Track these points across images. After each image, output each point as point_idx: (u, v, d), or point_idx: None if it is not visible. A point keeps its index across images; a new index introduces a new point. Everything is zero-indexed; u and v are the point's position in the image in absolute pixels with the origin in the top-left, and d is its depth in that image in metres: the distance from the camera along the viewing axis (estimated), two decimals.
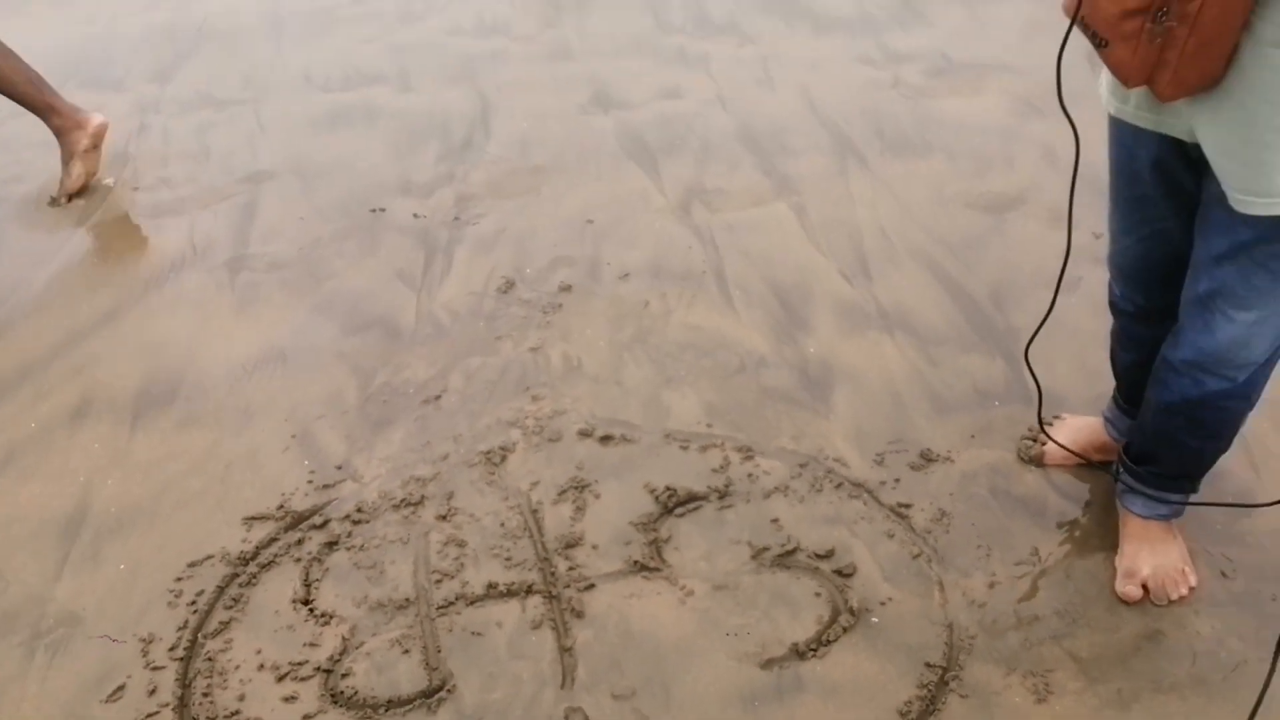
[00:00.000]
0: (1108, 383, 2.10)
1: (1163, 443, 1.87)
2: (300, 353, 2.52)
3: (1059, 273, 1.81)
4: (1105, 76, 1.63)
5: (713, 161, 3.08)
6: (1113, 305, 1.98)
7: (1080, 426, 2.16)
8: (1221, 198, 1.51)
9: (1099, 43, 1.45)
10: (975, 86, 3.35)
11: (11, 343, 2.59)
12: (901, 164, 3.02)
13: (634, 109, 3.34)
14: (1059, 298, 1.86)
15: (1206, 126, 1.48)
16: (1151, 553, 1.92)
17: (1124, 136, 1.68)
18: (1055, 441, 2.12)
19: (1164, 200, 1.70)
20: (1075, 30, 1.47)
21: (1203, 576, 1.92)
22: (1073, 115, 1.59)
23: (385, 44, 3.76)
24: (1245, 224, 1.51)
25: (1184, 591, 1.89)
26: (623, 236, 2.82)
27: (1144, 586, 1.89)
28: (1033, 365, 1.99)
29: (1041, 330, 1.92)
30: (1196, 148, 1.52)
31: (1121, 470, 1.97)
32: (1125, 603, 1.88)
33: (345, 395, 2.40)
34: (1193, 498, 1.94)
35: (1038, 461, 2.13)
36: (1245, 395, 1.75)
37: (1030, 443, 2.16)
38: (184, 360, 2.51)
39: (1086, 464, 2.11)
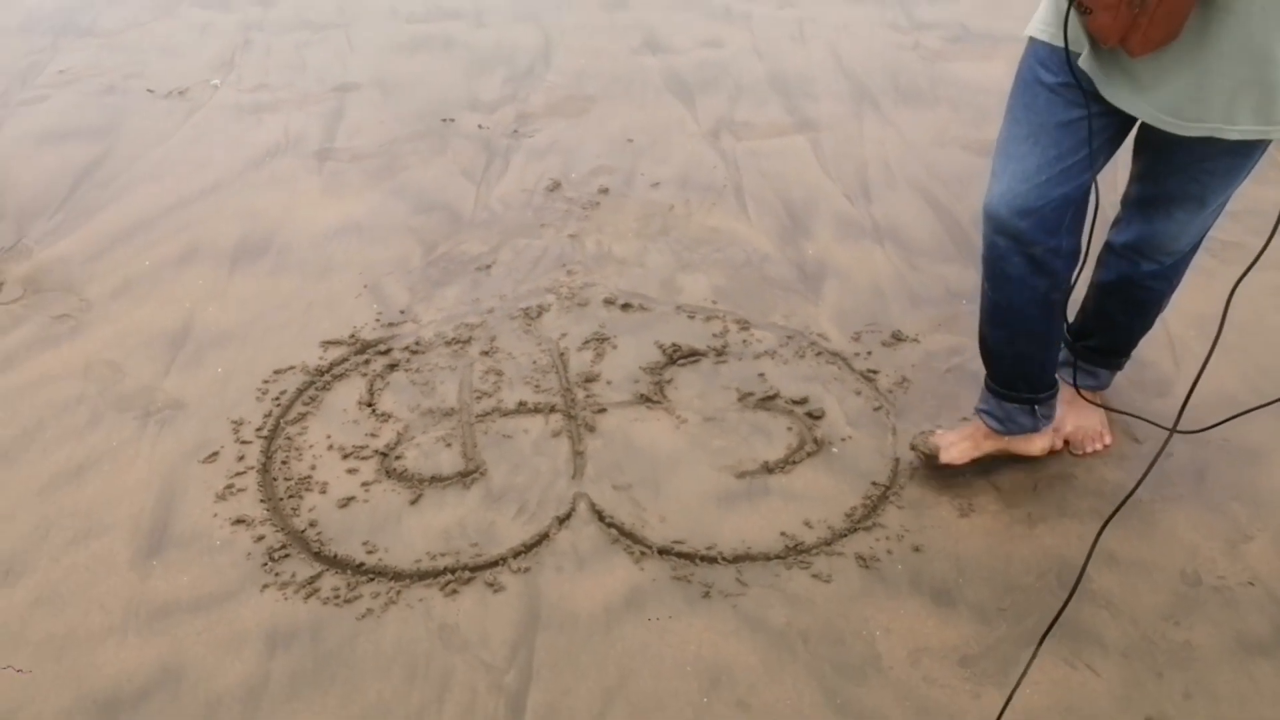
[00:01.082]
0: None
1: (1099, 321, 2.21)
2: (375, 225, 2.94)
3: None
4: (1042, 6, 1.86)
5: (744, 100, 3.47)
6: (996, 270, 1.99)
7: (965, 429, 2.22)
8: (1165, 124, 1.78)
9: (1084, 10, 1.71)
10: (987, 54, 3.71)
11: (128, 204, 3.04)
12: (911, 111, 3.40)
13: (678, 54, 3.74)
14: None
15: (1165, 76, 1.73)
16: (1077, 414, 2.27)
17: (1051, 65, 1.85)
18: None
19: (1082, 124, 1.85)
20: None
21: (1118, 439, 2.28)
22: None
23: None
24: (1184, 145, 1.82)
25: (1098, 447, 2.26)
26: (657, 154, 3.22)
27: (1066, 441, 2.26)
28: None
29: None
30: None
31: (1063, 345, 2.32)
32: (1050, 451, 2.24)
33: (410, 259, 2.82)
34: (1115, 403, 2.30)
35: (933, 461, 2.17)
36: (1169, 277, 2.10)
37: (923, 438, 2.19)
38: (276, 224, 2.95)
39: (978, 458, 2.20)
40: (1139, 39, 1.69)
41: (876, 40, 3.80)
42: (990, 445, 2.19)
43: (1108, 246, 2.15)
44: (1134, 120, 1.87)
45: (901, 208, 2.98)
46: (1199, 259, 2.14)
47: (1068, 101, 1.85)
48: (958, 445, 2.18)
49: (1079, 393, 2.22)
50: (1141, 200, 2.03)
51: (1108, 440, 2.27)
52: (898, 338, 2.55)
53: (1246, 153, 1.86)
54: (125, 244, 2.88)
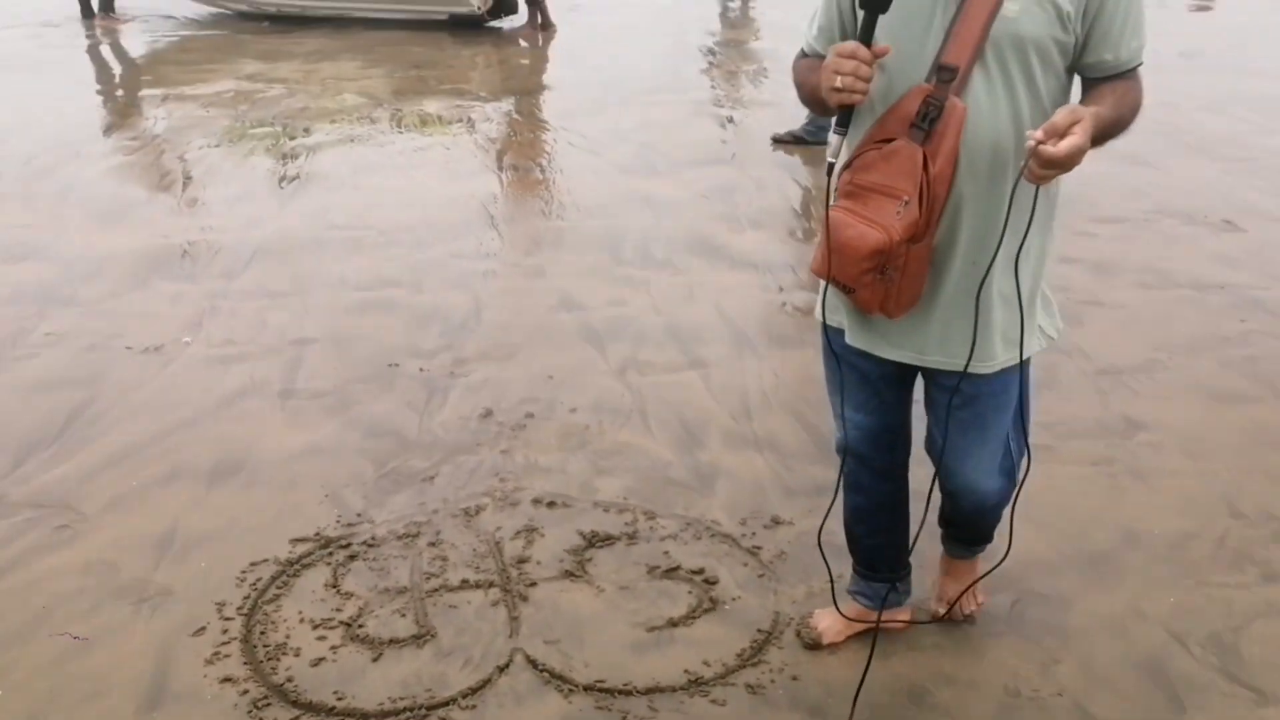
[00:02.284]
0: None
1: (954, 522, 2.61)
2: (333, 449, 3.45)
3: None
4: (823, 299, 2.25)
5: (645, 345, 4.14)
6: (851, 482, 2.50)
7: (837, 613, 2.58)
8: (935, 378, 2.27)
9: (846, 290, 2.11)
10: None
11: (115, 437, 3.50)
12: (782, 353, 4.09)
13: (590, 310, 4.43)
14: None
15: (916, 334, 2.20)
16: (954, 581, 2.68)
17: (845, 345, 2.31)
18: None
19: (880, 382, 2.35)
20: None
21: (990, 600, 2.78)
22: None
23: (403, 262, 4.89)
24: (949, 388, 2.21)
25: (974, 608, 2.67)
26: (574, 387, 3.83)
27: (948, 604, 2.66)
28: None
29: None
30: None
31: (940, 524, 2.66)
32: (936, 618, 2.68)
33: (365, 474, 3.31)
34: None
35: (816, 644, 2.58)
36: (1005, 494, 2.44)
37: (806, 627, 2.62)
38: (246, 449, 3.44)
39: (858, 632, 2.61)
40: (893, 305, 2.13)
41: (753, 299, 4.56)
42: (861, 623, 2.62)
43: (942, 488, 2.45)
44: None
45: (776, 425, 3.60)
46: None
47: (864, 366, 2.32)
48: (835, 628, 2.65)
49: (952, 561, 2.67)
50: (941, 452, 2.36)
51: (981, 600, 2.70)
52: (776, 521, 3.10)
53: (1003, 383, 2.24)
54: (115, 468, 3.32)
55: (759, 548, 2.99)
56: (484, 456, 3.42)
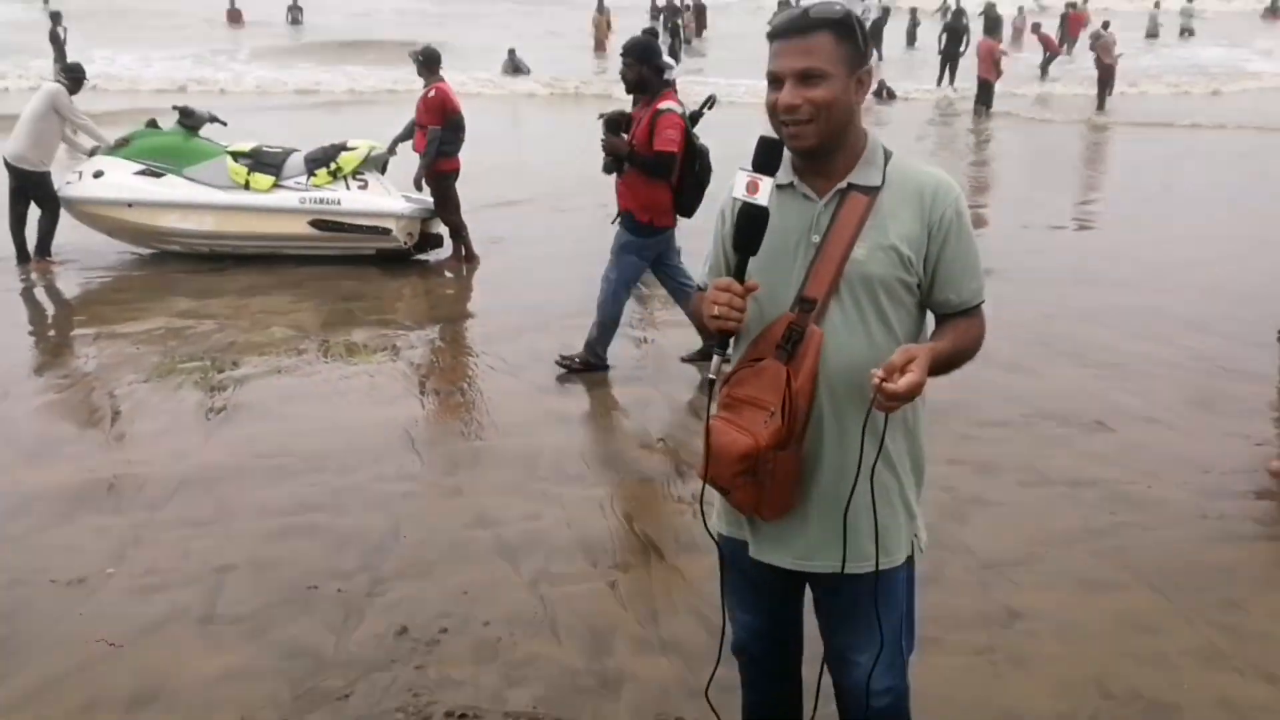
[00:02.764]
0: None
1: None
2: (250, 672, 3.56)
3: None
4: (716, 511, 2.54)
5: (556, 558, 4.34)
6: (747, 680, 2.76)
7: None
8: (819, 584, 2.47)
9: (724, 492, 2.36)
10: None
11: (37, 671, 3.57)
12: (688, 557, 4.32)
13: (504, 526, 4.64)
14: None
15: (796, 539, 2.41)
16: None
17: (736, 549, 2.52)
18: None
19: (767, 587, 2.55)
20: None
21: None
22: None
23: (325, 487, 5.07)
24: (836, 595, 2.44)
25: None
26: (487, 601, 4.00)
27: None
28: None
29: None
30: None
31: None
32: None
33: (281, 696, 3.42)
34: None
35: None
36: (897, 694, 2.55)
37: None
38: (164, 678, 3.52)
39: None
40: (766, 508, 2.36)
41: (661, 508, 4.82)
42: None
43: (836, 696, 2.63)
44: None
45: (682, 628, 3.80)
46: None
47: (753, 571, 2.51)
48: None
49: None
50: (829, 653, 2.55)
51: None
52: None
53: (886, 582, 2.39)
54: (34, 701, 3.39)
55: None
56: (398, 673, 3.55)
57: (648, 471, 5.27)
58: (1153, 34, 36.06)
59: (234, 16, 37.84)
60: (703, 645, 3.68)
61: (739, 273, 2.29)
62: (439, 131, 9.21)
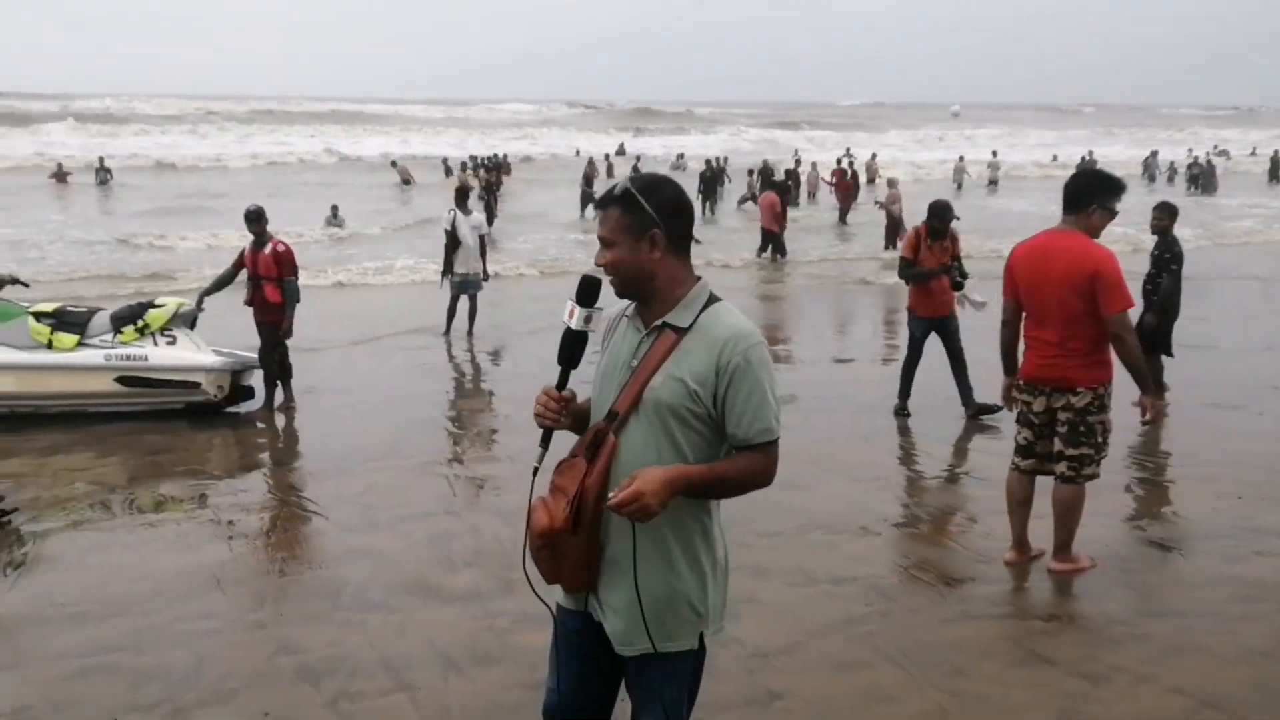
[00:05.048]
0: None
1: None
2: None
3: None
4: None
5: (357, 678, 4.59)
6: None
7: None
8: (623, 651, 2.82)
9: (535, 560, 2.81)
10: (540, 628, 5.11)
11: None
12: (485, 669, 4.64)
13: (307, 653, 4.85)
14: None
15: (598, 610, 2.85)
16: None
17: (566, 617, 2.92)
18: None
19: (586, 655, 2.90)
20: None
21: None
22: None
23: (127, 629, 5.15)
24: (633, 664, 2.84)
25: None
26: None
27: None
28: None
29: None
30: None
31: None
32: None
33: None
34: None
35: None
36: None
37: None
38: None
39: None
40: (566, 580, 2.83)
41: (461, 627, 5.12)
42: None
43: None
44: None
45: None
46: None
47: (575, 640, 2.91)
48: None
49: None
50: (631, 713, 2.93)
51: None
52: None
53: (660, 668, 2.80)
54: None
55: None
56: None
57: (449, 594, 5.58)
58: (957, 183, 39.58)
59: (60, 176, 37.62)
60: None
61: (560, 382, 2.87)
62: (294, 282, 9.58)
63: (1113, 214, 5.47)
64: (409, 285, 17.77)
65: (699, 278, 2.87)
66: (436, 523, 6.83)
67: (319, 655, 4.84)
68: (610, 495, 2.64)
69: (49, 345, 9.43)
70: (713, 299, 2.84)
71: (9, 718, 4.28)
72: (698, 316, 2.79)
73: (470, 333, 13.18)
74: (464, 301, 13.13)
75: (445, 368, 12.05)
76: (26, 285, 10.28)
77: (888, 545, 6.32)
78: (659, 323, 2.81)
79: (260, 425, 9.66)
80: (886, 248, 22.65)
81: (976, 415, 9.02)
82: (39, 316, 9.55)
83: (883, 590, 5.56)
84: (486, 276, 13.47)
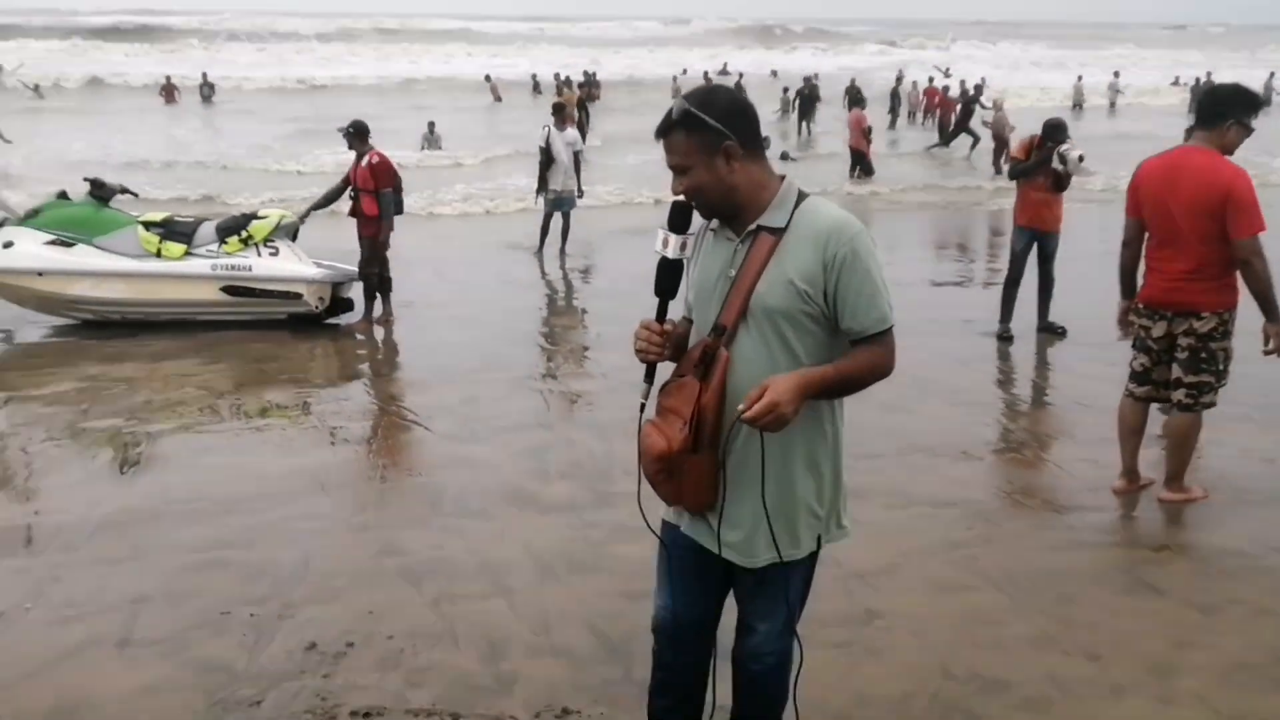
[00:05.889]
0: None
1: (736, 702, 3.06)
2: (167, 687, 3.79)
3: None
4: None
5: (458, 580, 4.67)
6: (658, 659, 3.06)
7: None
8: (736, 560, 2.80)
9: (652, 484, 2.76)
10: (635, 539, 5.12)
11: None
12: (581, 577, 4.68)
13: (409, 555, 4.94)
14: None
15: (720, 527, 2.78)
16: None
17: (675, 534, 2.90)
18: None
19: (694, 572, 2.91)
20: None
21: None
22: None
23: (238, 526, 5.31)
24: (749, 574, 2.81)
25: None
26: (391, 619, 4.30)
27: None
28: None
29: None
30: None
31: None
32: None
33: (196, 705, 3.68)
34: None
35: None
36: (777, 676, 2.97)
37: None
38: (83, 695, 3.75)
39: None
40: (688, 502, 2.79)
41: (557, 535, 5.16)
42: None
43: (732, 656, 2.98)
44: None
45: (572, 635, 4.16)
46: None
47: (686, 556, 2.89)
48: None
49: None
50: (739, 619, 2.94)
51: None
52: (566, 711, 3.61)
53: (784, 576, 2.80)
54: None
55: None
56: (307, 682, 3.83)
57: (545, 504, 5.63)
58: (1076, 104, 38.05)
59: (169, 92, 38.10)
60: (590, 650, 4.03)
61: (659, 314, 2.78)
62: (390, 194, 9.65)
63: (1249, 130, 5.15)
64: (504, 202, 17.78)
65: (782, 176, 2.76)
66: (532, 435, 6.89)
67: (420, 558, 4.93)
68: (741, 408, 2.56)
69: (158, 254, 9.66)
70: (803, 195, 2.73)
71: (130, 606, 4.45)
72: (792, 214, 2.69)
73: (563, 250, 13.18)
74: (557, 218, 13.11)
75: (538, 284, 12.09)
76: (136, 195, 10.53)
77: (989, 470, 6.18)
78: (753, 227, 2.71)
79: (360, 337, 9.82)
80: (995, 173, 21.91)
81: (1042, 331, 9.04)
82: (148, 226, 9.78)
83: (985, 514, 5.44)
84: (580, 194, 13.41)
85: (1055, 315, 9.01)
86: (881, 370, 2.71)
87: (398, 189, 9.84)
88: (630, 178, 19.62)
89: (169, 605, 4.45)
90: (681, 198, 2.73)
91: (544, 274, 12.50)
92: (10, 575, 4.78)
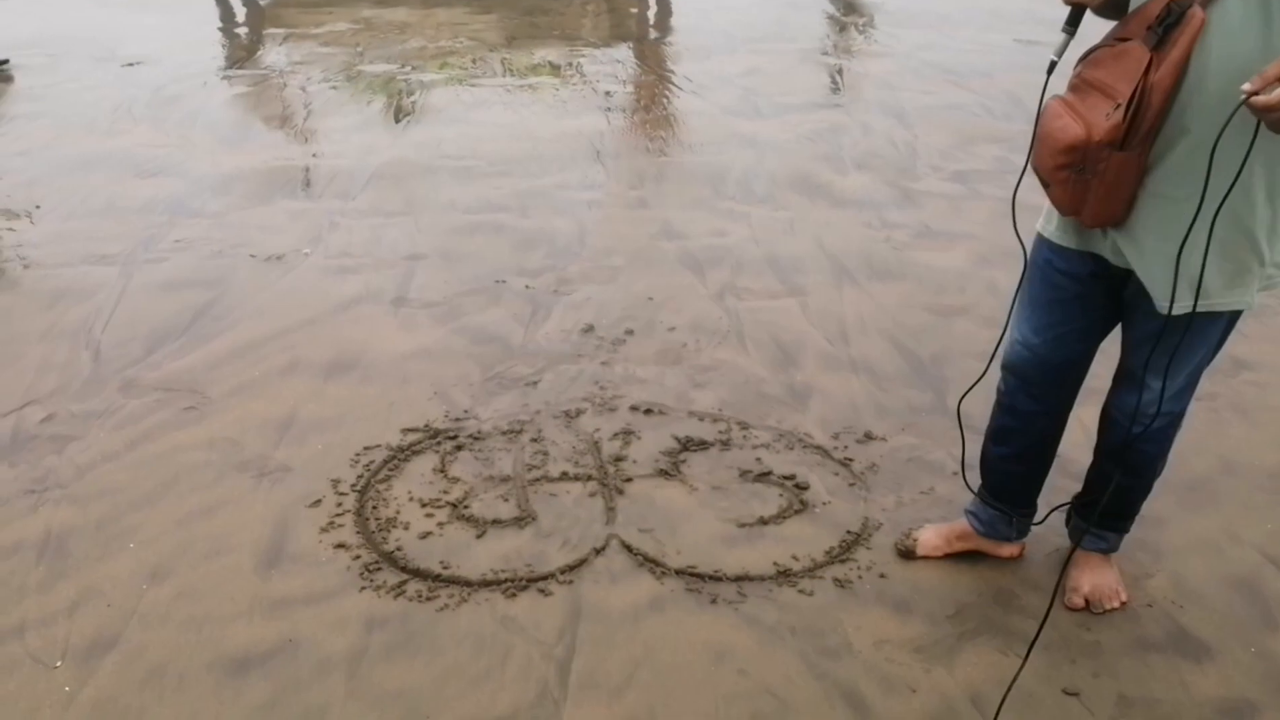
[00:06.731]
0: None
1: (1100, 483, 2.47)
2: (442, 352, 3.59)
3: (991, 353, 2.47)
4: (1045, 208, 2.22)
5: (744, 273, 4.20)
6: (1006, 403, 2.46)
7: (942, 528, 2.67)
8: (1140, 296, 2.12)
9: (1044, 183, 2.08)
10: (945, 247, 4.47)
11: (238, 332, 3.70)
12: (882, 284, 4.11)
13: (690, 239, 4.50)
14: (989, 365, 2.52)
15: (1127, 250, 2.08)
16: (1093, 575, 2.53)
17: (1052, 255, 2.24)
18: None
19: (1076, 304, 2.25)
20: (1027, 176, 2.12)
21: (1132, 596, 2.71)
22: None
23: (511, 190, 5.02)
24: (1155, 319, 2.10)
25: (1115, 605, 2.49)
26: (673, 308, 3.91)
27: (1085, 600, 2.50)
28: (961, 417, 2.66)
29: (971, 390, 2.61)
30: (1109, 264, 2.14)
31: (1072, 513, 2.60)
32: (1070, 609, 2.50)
33: (471, 376, 3.45)
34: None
35: (911, 553, 2.63)
36: (1158, 440, 2.35)
37: (904, 538, 2.66)
38: (361, 348, 3.60)
39: (949, 554, 2.65)
40: (1088, 212, 2.05)
41: (854, 234, 4.58)
42: (962, 545, 2.65)
43: (1103, 411, 2.43)
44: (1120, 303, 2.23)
45: (872, 349, 3.64)
46: None
47: (1064, 284, 2.24)
48: (933, 541, 2.67)
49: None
50: (1125, 369, 2.32)
51: (1124, 598, 2.52)
52: (869, 436, 3.15)
53: (1202, 327, 2.12)
54: (238, 359, 3.52)
55: (850, 460, 3.05)
56: (584, 366, 3.53)
57: (839, 196, 5.00)
58: None
59: None
60: (895, 368, 3.53)
61: None
62: None
63: None
64: None
65: None
66: (823, 116, 6.16)
67: (701, 244, 4.47)
68: (1247, 86, 1.73)
69: None
70: None
71: (405, 263, 4.26)
72: None
73: None
74: None
75: None
76: None
77: None
78: None
79: None
80: None
81: None
82: None
83: None
84: None
85: None
86: None
87: None
88: None
89: (443, 266, 4.22)
90: None
91: None
92: (289, 218, 4.67)
